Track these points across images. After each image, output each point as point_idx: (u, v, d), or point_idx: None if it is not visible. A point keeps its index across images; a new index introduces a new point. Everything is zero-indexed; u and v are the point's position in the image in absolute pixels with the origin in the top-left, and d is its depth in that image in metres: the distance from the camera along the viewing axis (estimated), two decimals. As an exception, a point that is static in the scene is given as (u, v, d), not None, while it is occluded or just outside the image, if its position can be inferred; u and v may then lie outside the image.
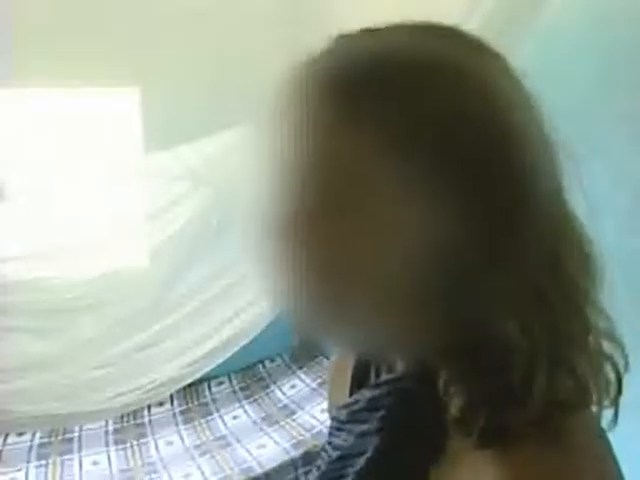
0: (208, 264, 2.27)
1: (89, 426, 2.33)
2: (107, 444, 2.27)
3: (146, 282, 2.23)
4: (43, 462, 2.12)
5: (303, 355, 2.82)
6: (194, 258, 2.24)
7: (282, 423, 2.38)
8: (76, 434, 2.29)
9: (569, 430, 0.43)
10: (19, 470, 2.06)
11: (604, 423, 0.49)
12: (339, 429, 0.60)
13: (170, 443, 2.30)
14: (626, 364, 0.48)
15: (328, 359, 2.78)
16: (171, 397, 2.53)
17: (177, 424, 2.43)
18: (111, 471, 2.11)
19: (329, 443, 0.62)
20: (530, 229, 0.43)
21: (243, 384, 2.70)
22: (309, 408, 2.46)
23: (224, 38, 2.12)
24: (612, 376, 0.47)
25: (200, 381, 2.58)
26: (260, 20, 2.12)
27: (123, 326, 2.19)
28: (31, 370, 2.07)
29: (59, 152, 2.21)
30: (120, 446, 2.26)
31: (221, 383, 2.70)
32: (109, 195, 2.22)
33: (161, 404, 2.51)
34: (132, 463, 2.16)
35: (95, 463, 2.15)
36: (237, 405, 2.55)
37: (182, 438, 2.33)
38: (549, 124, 0.46)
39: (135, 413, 2.42)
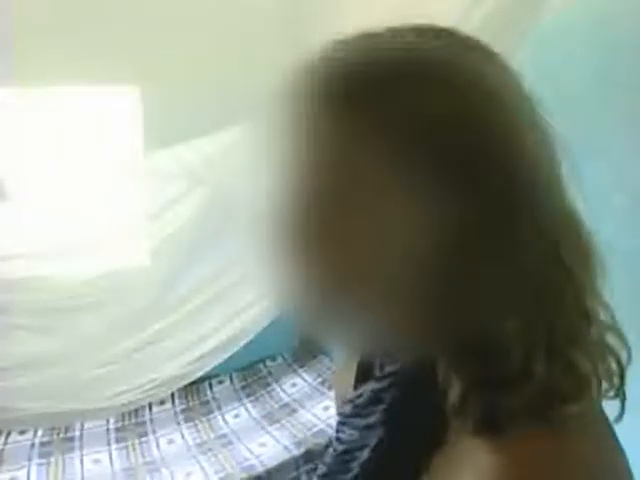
0: (209, 263, 2.27)
1: (90, 424, 2.34)
2: (109, 442, 2.28)
3: (146, 281, 2.23)
4: (45, 460, 2.12)
5: (305, 353, 2.82)
6: (194, 257, 2.24)
7: (283, 422, 2.38)
8: (77, 432, 2.30)
9: (567, 419, 0.44)
10: (21, 468, 2.06)
11: (610, 416, 0.49)
12: (344, 423, 0.61)
13: (171, 441, 2.30)
14: (629, 357, 0.49)
15: (329, 358, 2.78)
16: (172, 396, 2.53)
17: (178, 423, 2.43)
18: (113, 469, 2.11)
19: (337, 439, 0.63)
20: (531, 226, 0.44)
21: (244, 383, 2.71)
22: (310, 406, 2.46)
23: (224, 37, 2.12)
24: (614, 367, 0.48)
25: (201, 380, 2.58)
26: (260, 20, 2.12)
27: (124, 325, 2.19)
28: (32, 368, 2.08)
29: (59, 151, 2.21)
30: (121, 444, 2.27)
31: (222, 382, 2.70)
32: (109, 194, 2.22)
33: (162, 403, 2.51)
34: (133, 461, 2.17)
35: (97, 461, 2.16)
36: (238, 404, 2.56)
37: (183, 436, 2.34)
38: (547, 123, 0.47)
39: (136, 412, 2.43)
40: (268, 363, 2.84)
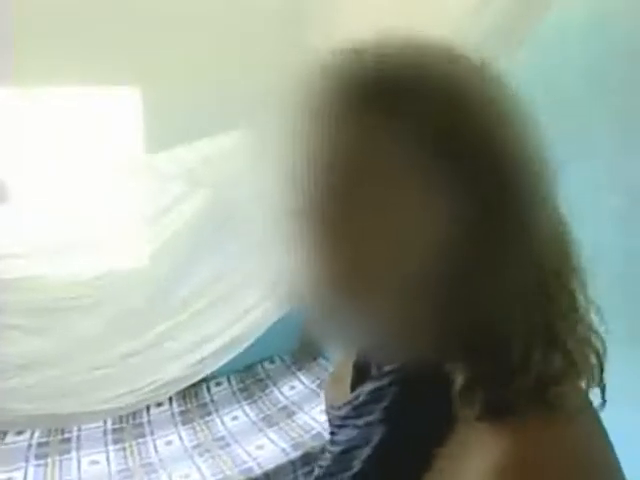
0: (210, 266, 2.27)
1: (88, 426, 2.33)
2: (106, 444, 2.27)
3: (145, 283, 2.23)
4: (42, 461, 2.12)
5: (303, 356, 2.82)
6: (194, 259, 2.24)
7: (281, 424, 2.38)
8: (75, 434, 2.29)
9: (562, 399, 0.47)
10: (18, 469, 2.06)
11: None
12: (341, 426, 0.62)
13: (169, 443, 2.30)
14: (604, 352, 0.52)
15: (328, 361, 2.78)
16: (170, 397, 2.53)
17: (176, 424, 2.43)
18: (110, 471, 2.11)
19: (331, 442, 0.63)
20: (532, 226, 0.48)
21: (242, 385, 2.71)
22: (308, 409, 2.46)
23: (225, 39, 2.13)
24: (595, 360, 0.52)
25: (199, 382, 2.57)
26: (261, 21, 2.12)
27: (122, 326, 2.19)
28: (28, 369, 2.07)
29: (60, 152, 2.22)
30: (119, 446, 2.26)
31: (220, 384, 2.70)
32: (109, 195, 2.22)
33: (160, 404, 2.51)
34: (131, 463, 2.16)
35: (94, 463, 2.15)
36: (236, 406, 2.56)
37: (181, 438, 2.33)
38: (538, 130, 0.49)
39: (134, 413, 2.43)
40: (266, 365, 2.84)
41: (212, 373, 2.55)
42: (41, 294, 2.08)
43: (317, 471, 0.63)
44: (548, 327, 0.49)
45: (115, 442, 2.28)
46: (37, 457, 2.14)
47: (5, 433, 2.22)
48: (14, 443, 2.19)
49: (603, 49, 1.44)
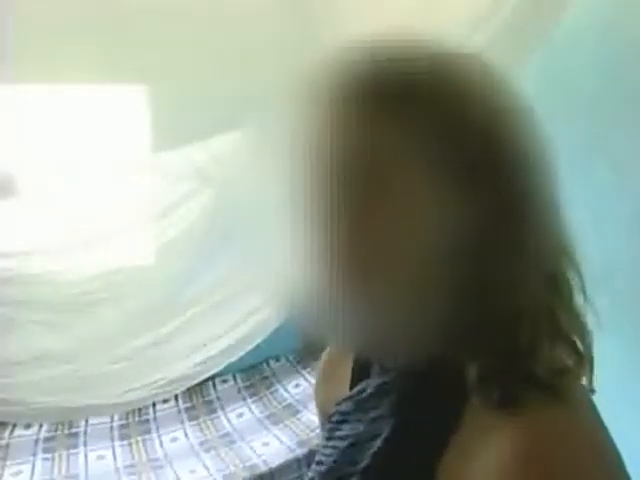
0: (218, 265, 2.27)
1: (95, 421, 2.35)
2: (112, 439, 2.28)
3: (155, 281, 2.24)
4: (49, 455, 2.13)
5: (308, 355, 2.82)
6: (202, 258, 2.25)
7: (287, 422, 2.39)
8: (82, 429, 2.31)
9: (569, 390, 0.49)
10: (25, 463, 2.08)
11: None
12: (343, 421, 0.62)
13: (175, 439, 2.31)
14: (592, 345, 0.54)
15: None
16: (176, 394, 2.54)
17: (182, 421, 2.44)
18: (116, 466, 2.12)
19: (330, 438, 0.63)
20: (541, 224, 0.49)
21: (248, 383, 2.71)
22: (313, 407, 2.45)
23: (234, 37, 2.13)
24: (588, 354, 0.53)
25: (205, 379, 2.58)
26: (270, 19, 2.12)
27: (134, 323, 2.21)
28: (45, 362, 2.10)
29: (68, 148, 2.23)
30: (125, 442, 2.28)
31: (226, 381, 2.71)
32: (116, 193, 2.24)
33: (166, 401, 2.52)
34: (137, 458, 2.18)
35: (100, 458, 2.16)
36: (242, 403, 2.57)
37: (187, 435, 2.34)
38: (542, 135, 0.51)
39: (140, 410, 2.44)
40: (272, 364, 2.85)
41: (218, 370, 2.56)
42: (56, 290, 2.10)
43: (315, 467, 0.63)
44: (553, 318, 0.50)
45: (121, 438, 2.30)
46: (45, 451, 2.16)
47: (14, 426, 2.24)
48: (22, 437, 2.21)
49: (617, 52, 1.44)
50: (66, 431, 2.28)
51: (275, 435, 2.30)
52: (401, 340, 0.51)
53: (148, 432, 2.35)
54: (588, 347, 0.52)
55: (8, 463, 2.06)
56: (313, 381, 2.67)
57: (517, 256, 0.48)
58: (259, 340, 2.45)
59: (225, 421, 2.44)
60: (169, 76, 2.09)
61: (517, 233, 0.48)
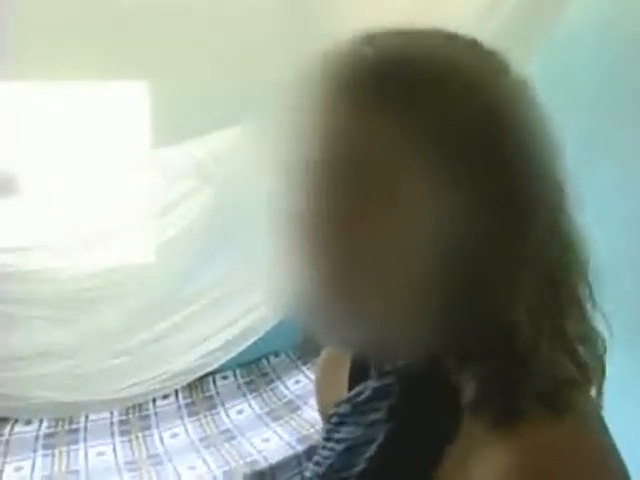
0: (219, 262, 2.27)
1: (94, 417, 2.35)
2: (112, 435, 2.28)
3: (156, 276, 2.24)
4: (49, 452, 2.14)
5: (308, 351, 2.83)
6: (202, 255, 2.25)
7: (286, 418, 2.39)
8: (82, 425, 2.31)
9: (572, 403, 0.46)
10: (26, 459, 2.08)
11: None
12: (341, 423, 0.61)
13: (175, 435, 2.31)
14: (605, 355, 0.52)
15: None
16: (176, 390, 2.54)
17: (182, 417, 2.44)
18: (117, 462, 2.13)
19: (328, 439, 0.62)
20: (538, 229, 0.47)
21: (248, 379, 2.72)
22: (313, 404, 2.45)
23: (233, 33, 2.12)
24: (599, 364, 0.51)
25: (205, 375, 2.59)
26: (269, 16, 2.12)
27: (135, 319, 2.21)
28: (47, 358, 2.10)
29: (69, 146, 2.22)
30: (125, 438, 2.28)
31: (226, 377, 2.71)
32: (117, 190, 2.23)
33: (166, 397, 2.52)
34: (137, 455, 2.18)
35: (101, 454, 2.17)
36: (242, 399, 2.57)
37: (187, 431, 2.35)
38: (552, 130, 0.49)
39: (140, 405, 2.44)
40: (272, 359, 2.85)
41: (218, 366, 2.56)
42: (58, 286, 2.10)
43: (314, 468, 0.63)
44: (557, 324, 0.48)
45: (122, 434, 2.30)
46: (45, 447, 2.16)
47: (15, 423, 2.24)
48: (22, 433, 2.21)
49: (617, 51, 1.44)
50: (66, 427, 2.28)
51: (275, 431, 2.30)
52: (397, 341, 0.50)
53: (148, 428, 2.35)
54: (598, 357, 0.50)
55: (8, 459, 2.07)
56: (313, 377, 2.68)
57: (517, 259, 0.46)
58: (258, 336, 2.45)
59: (225, 417, 2.44)
60: (169, 73, 2.09)
61: (518, 234, 0.46)
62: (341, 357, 0.70)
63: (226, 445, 2.22)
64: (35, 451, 2.13)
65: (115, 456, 2.17)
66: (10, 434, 2.20)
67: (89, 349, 2.17)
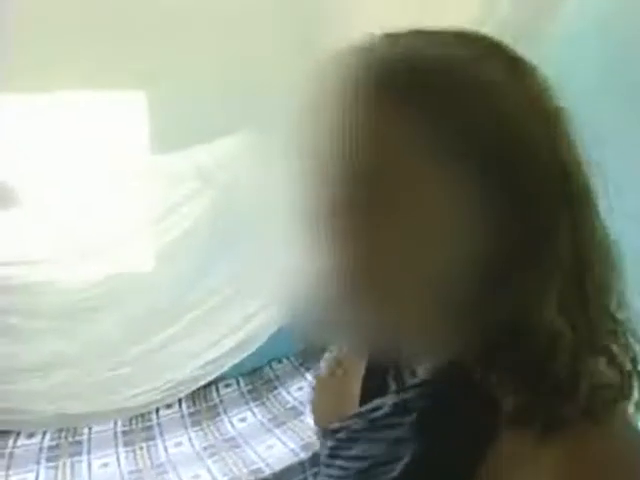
0: (220, 268, 2.27)
1: (98, 428, 2.34)
2: (116, 446, 2.28)
3: (157, 284, 2.24)
4: (53, 464, 2.13)
5: (310, 357, 2.82)
6: (204, 262, 2.25)
7: (290, 425, 2.38)
8: (85, 436, 2.31)
9: (611, 410, 0.45)
10: (29, 472, 2.07)
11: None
12: (353, 439, 0.57)
13: (179, 445, 2.31)
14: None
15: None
16: (179, 399, 2.53)
17: (185, 426, 2.43)
18: (120, 472, 2.12)
19: (335, 456, 0.59)
20: (566, 226, 0.46)
21: (251, 386, 2.71)
22: (316, 410, 2.46)
23: (233, 40, 2.13)
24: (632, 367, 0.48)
25: (208, 383, 2.58)
26: (269, 23, 2.12)
27: (136, 328, 2.21)
28: (48, 370, 2.10)
29: (68, 156, 2.23)
30: (129, 448, 2.27)
31: (229, 385, 2.70)
32: (116, 198, 2.23)
33: (169, 406, 2.51)
34: (141, 464, 2.17)
35: (104, 465, 2.16)
36: (245, 407, 2.56)
37: (191, 440, 2.34)
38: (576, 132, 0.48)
39: (143, 415, 2.44)
40: (275, 366, 2.84)
41: (221, 375, 2.56)
42: (57, 298, 2.10)
43: None
44: (591, 331, 0.46)
45: (125, 444, 2.29)
46: (48, 460, 2.16)
47: (18, 435, 2.23)
48: (26, 446, 2.21)
49: (617, 50, 1.44)
50: (70, 439, 2.28)
51: (279, 438, 2.29)
52: (417, 341, 0.49)
53: (152, 438, 2.34)
54: (633, 360, 0.48)
55: (12, 472, 2.06)
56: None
57: (541, 258, 0.45)
58: (260, 343, 2.45)
59: (229, 425, 2.43)
60: (171, 79, 2.10)
61: (539, 238, 0.45)
62: (349, 370, 0.67)
63: (230, 453, 2.22)
64: (39, 463, 2.13)
65: (119, 467, 2.16)
66: (14, 447, 2.19)
67: (91, 360, 2.17)
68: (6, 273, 2.05)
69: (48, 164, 2.21)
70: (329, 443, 0.61)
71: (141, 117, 2.31)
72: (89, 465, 2.15)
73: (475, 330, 0.46)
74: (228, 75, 2.04)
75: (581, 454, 0.43)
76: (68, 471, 2.11)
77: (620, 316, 0.49)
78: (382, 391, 0.58)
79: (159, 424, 2.43)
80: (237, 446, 2.27)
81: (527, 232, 0.45)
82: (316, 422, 0.73)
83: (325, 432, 0.62)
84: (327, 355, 0.71)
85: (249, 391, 2.67)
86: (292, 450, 2.19)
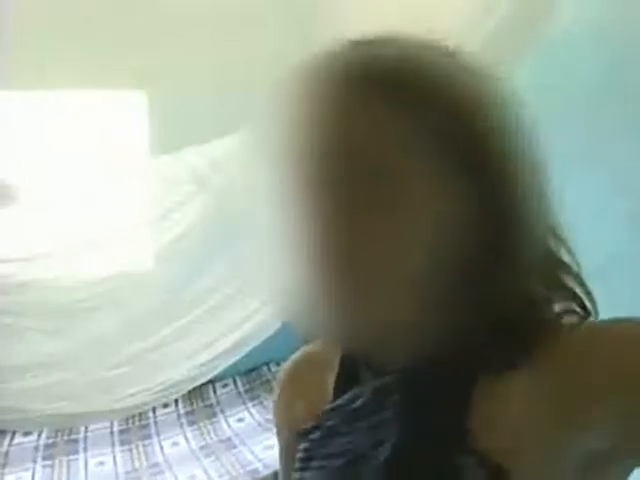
0: (218, 268, 2.27)
1: (94, 427, 2.34)
2: (112, 445, 2.28)
3: (154, 284, 2.24)
4: (49, 462, 2.13)
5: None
6: (202, 262, 2.25)
7: (287, 425, 2.38)
8: (81, 435, 2.30)
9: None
10: (26, 470, 2.07)
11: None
12: (331, 435, 0.56)
13: (175, 444, 2.30)
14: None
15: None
16: (176, 399, 2.53)
17: (182, 426, 2.43)
18: (116, 472, 2.12)
19: (311, 458, 0.57)
20: (533, 221, 0.49)
21: (248, 386, 2.71)
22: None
23: (231, 41, 2.14)
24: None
25: (205, 383, 2.58)
26: (266, 23, 2.13)
27: (133, 327, 2.21)
28: (44, 369, 2.10)
29: (67, 154, 2.23)
30: (125, 447, 2.27)
31: (226, 385, 2.70)
32: (115, 198, 2.24)
33: (166, 406, 2.51)
34: (137, 464, 2.17)
35: (101, 464, 2.16)
36: (242, 407, 2.56)
37: (187, 439, 2.34)
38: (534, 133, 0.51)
39: (140, 415, 2.43)
40: (272, 367, 2.84)
41: (218, 374, 2.56)
42: (54, 296, 2.10)
43: None
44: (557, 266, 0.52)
45: (122, 443, 2.29)
46: (44, 458, 2.15)
47: (14, 434, 2.23)
48: (22, 444, 2.21)
49: (614, 54, 1.44)
50: (66, 437, 2.28)
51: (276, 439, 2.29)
52: (402, 335, 0.50)
53: (148, 437, 2.34)
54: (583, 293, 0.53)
55: (7, 471, 2.06)
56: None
57: (518, 249, 0.48)
58: (258, 342, 2.45)
59: (225, 425, 2.43)
60: (168, 81, 2.10)
61: (510, 220, 0.48)
62: (310, 373, 0.66)
63: (226, 453, 2.21)
64: (35, 462, 2.12)
65: (115, 466, 2.16)
66: (9, 445, 2.19)
67: (88, 359, 2.17)
68: (2, 272, 2.05)
69: (46, 163, 2.21)
70: (302, 445, 0.59)
71: (141, 117, 2.32)
72: (85, 464, 2.15)
73: (457, 311, 0.48)
74: (228, 75, 2.05)
75: (565, 348, 0.49)
76: (64, 470, 2.10)
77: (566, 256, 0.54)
78: (356, 381, 0.58)
79: (155, 423, 2.43)
80: (234, 446, 2.27)
81: (502, 227, 0.48)
82: (282, 425, 0.71)
83: (298, 434, 0.61)
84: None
85: (246, 391, 2.67)
86: (289, 450, 2.19)
